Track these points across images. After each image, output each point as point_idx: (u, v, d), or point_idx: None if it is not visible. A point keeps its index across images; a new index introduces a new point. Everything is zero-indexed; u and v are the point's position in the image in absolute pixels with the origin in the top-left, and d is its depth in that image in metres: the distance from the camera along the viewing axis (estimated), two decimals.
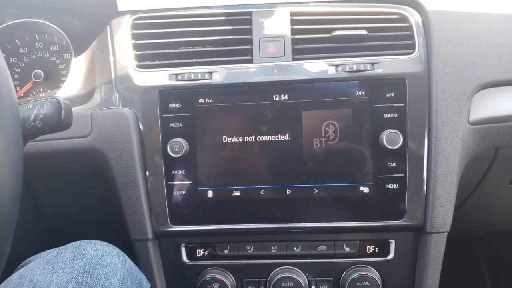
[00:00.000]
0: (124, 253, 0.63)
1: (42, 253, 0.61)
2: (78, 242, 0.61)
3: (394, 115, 0.71)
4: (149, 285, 0.65)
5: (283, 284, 0.73)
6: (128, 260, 0.62)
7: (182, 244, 0.77)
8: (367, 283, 0.73)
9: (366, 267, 0.74)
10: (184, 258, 0.77)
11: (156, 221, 0.74)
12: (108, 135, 0.73)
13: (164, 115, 0.73)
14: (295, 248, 0.76)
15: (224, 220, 0.74)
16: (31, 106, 0.58)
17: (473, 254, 1.38)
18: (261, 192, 0.73)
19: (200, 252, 0.77)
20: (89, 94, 0.79)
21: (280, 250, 0.76)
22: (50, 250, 0.61)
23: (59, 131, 0.57)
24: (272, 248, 0.76)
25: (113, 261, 0.59)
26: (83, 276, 0.54)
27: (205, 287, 0.75)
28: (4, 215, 0.42)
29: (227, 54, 0.75)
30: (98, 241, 0.62)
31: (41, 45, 0.86)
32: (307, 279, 0.75)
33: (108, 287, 0.54)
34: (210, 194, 0.73)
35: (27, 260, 0.61)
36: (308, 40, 0.75)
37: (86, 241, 0.62)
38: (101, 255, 0.58)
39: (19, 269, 0.59)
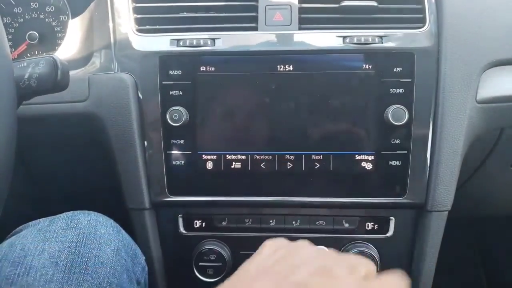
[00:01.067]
0: (118, 224, 0.61)
1: (33, 221, 0.59)
2: (71, 212, 0.60)
3: (401, 90, 0.69)
4: (144, 257, 0.64)
5: None
6: (122, 231, 0.61)
7: (180, 215, 0.76)
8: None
9: (365, 243, 0.74)
10: (181, 229, 0.76)
11: (154, 191, 0.73)
12: (106, 100, 0.71)
13: (164, 82, 0.71)
14: (293, 222, 0.75)
15: (223, 191, 0.73)
16: (25, 64, 0.55)
17: (466, 239, 1.39)
18: (261, 163, 0.71)
19: (197, 223, 0.76)
20: (87, 58, 0.76)
21: (279, 224, 0.75)
22: (41, 219, 0.59)
23: (55, 92, 0.55)
24: (271, 221, 0.75)
25: (107, 231, 0.58)
26: (76, 246, 0.53)
27: (202, 258, 0.74)
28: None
29: (231, 20, 0.72)
30: (91, 211, 0.61)
31: (36, 5, 0.82)
32: None
33: (101, 257, 0.53)
34: (209, 164, 0.72)
35: (18, 228, 0.60)
36: (316, 9, 0.73)
37: (79, 211, 0.60)
38: (95, 225, 0.57)
39: (10, 237, 0.58)
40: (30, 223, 0.58)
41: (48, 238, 0.53)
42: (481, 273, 1.39)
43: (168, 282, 0.78)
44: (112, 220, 0.61)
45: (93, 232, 0.55)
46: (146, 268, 0.63)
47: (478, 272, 1.39)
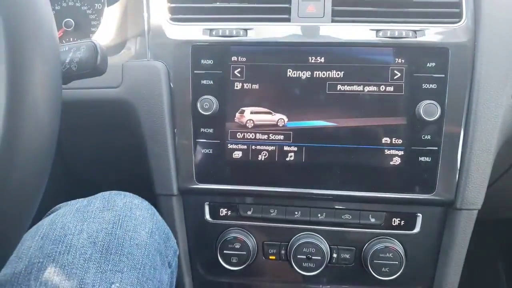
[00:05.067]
0: (152, 206, 0.63)
1: (71, 201, 0.61)
2: (107, 192, 0.61)
3: (433, 86, 0.68)
4: (175, 240, 0.65)
5: (304, 249, 0.73)
6: (157, 213, 0.62)
7: (206, 202, 0.77)
8: (390, 255, 0.72)
9: (390, 239, 0.73)
10: (207, 216, 0.77)
11: (182, 178, 0.74)
12: (139, 87, 0.72)
13: (195, 71, 0.72)
14: (319, 215, 0.75)
15: (250, 181, 0.73)
16: (67, 48, 0.56)
17: (489, 239, 1.36)
18: (289, 155, 0.72)
19: (223, 211, 0.77)
20: (120, 45, 0.77)
21: (304, 216, 0.75)
22: (79, 199, 0.61)
23: (94, 76, 0.56)
24: (296, 213, 0.75)
25: (142, 213, 0.59)
26: (113, 227, 0.54)
27: (227, 246, 0.75)
28: (44, 153, 0.42)
29: (264, 11, 0.73)
30: (127, 193, 0.62)
31: None
32: (329, 247, 0.74)
33: (137, 239, 0.55)
34: (237, 154, 0.73)
35: (57, 206, 0.62)
36: (349, 2, 0.72)
37: (115, 192, 0.62)
38: (130, 207, 0.58)
39: (49, 214, 0.60)
40: (68, 202, 0.60)
41: (86, 219, 0.55)
42: (503, 276, 1.36)
43: (192, 268, 0.80)
44: (147, 202, 0.62)
45: (129, 215, 0.57)
46: (178, 252, 0.64)
47: (498, 273, 1.36)
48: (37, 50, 0.40)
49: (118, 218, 0.55)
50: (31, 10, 0.40)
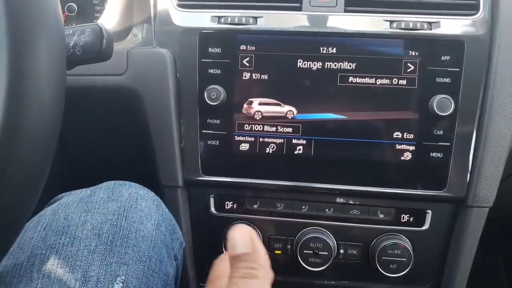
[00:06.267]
0: (158, 198, 0.61)
1: (75, 191, 0.59)
2: (112, 182, 0.60)
3: (448, 80, 0.67)
4: (181, 232, 0.63)
5: (311, 245, 0.72)
6: (163, 205, 0.61)
7: (211, 195, 0.75)
8: (398, 251, 0.70)
9: (399, 235, 0.72)
10: (212, 209, 0.76)
11: (187, 169, 0.72)
12: (144, 74, 0.70)
13: (203, 60, 0.70)
14: (326, 210, 0.73)
15: (256, 174, 0.72)
16: (71, 32, 0.54)
17: (493, 238, 1.36)
18: (297, 148, 0.70)
19: (229, 204, 0.75)
20: (125, 31, 0.75)
21: (311, 211, 0.74)
22: (83, 189, 0.59)
23: (99, 62, 0.54)
24: (303, 207, 0.74)
25: (147, 205, 0.57)
26: (118, 219, 0.53)
27: None
28: (47, 138, 0.40)
29: None
30: (132, 183, 0.60)
31: None
32: (336, 242, 0.73)
33: (142, 231, 0.53)
34: (244, 146, 0.71)
35: (59, 196, 0.60)
36: None
37: (120, 182, 0.60)
38: (136, 198, 0.57)
39: (51, 204, 0.58)
40: (72, 192, 0.58)
41: (90, 209, 0.53)
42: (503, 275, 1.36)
43: (196, 261, 0.78)
44: (152, 193, 0.60)
45: (134, 206, 0.55)
46: (184, 244, 0.63)
47: (500, 273, 1.36)
48: (42, 30, 0.38)
49: (123, 209, 0.54)
50: None
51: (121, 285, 0.47)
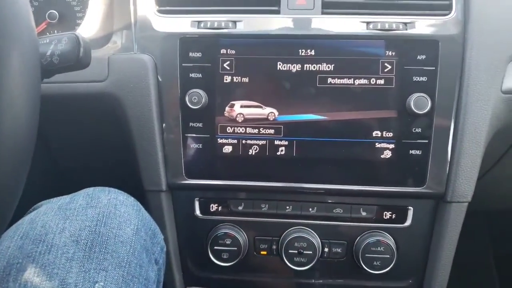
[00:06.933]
0: (138, 203, 0.61)
1: (54, 198, 0.59)
2: (91, 189, 0.60)
3: (424, 78, 0.68)
4: (163, 236, 0.64)
5: (296, 244, 0.73)
6: (142, 210, 0.61)
7: (196, 198, 0.76)
8: (381, 248, 0.72)
9: (382, 232, 0.73)
10: (197, 212, 0.76)
11: (171, 173, 0.72)
12: (125, 81, 0.70)
13: (183, 64, 0.70)
14: (310, 209, 0.74)
15: (240, 176, 0.72)
16: (48, 41, 0.54)
17: (480, 232, 1.38)
18: (280, 149, 0.71)
19: (213, 207, 0.76)
20: (106, 38, 0.76)
21: (295, 210, 0.75)
22: (62, 197, 0.59)
23: (77, 70, 0.55)
24: (287, 207, 0.75)
25: (127, 210, 0.57)
26: (96, 225, 0.53)
27: (217, 242, 0.74)
28: (21, 147, 0.40)
29: (253, 3, 0.71)
30: (112, 188, 0.61)
31: None
32: (321, 241, 0.74)
33: (121, 237, 0.53)
34: (227, 148, 0.71)
35: (38, 204, 0.60)
36: None
37: (99, 188, 0.60)
38: (115, 204, 0.57)
39: (30, 212, 0.58)
40: (51, 200, 0.58)
41: (68, 216, 0.53)
42: (494, 270, 1.38)
43: (183, 265, 0.79)
44: (132, 198, 0.60)
45: (113, 211, 0.55)
46: (165, 248, 0.63)
47: (490, 268, 1.38)
48: (14, 43, 0.38)
49: (102, 216, 0.54)
50: (7, 1, 0.38)
51: None
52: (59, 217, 0.53)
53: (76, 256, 0.49)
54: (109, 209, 0.55)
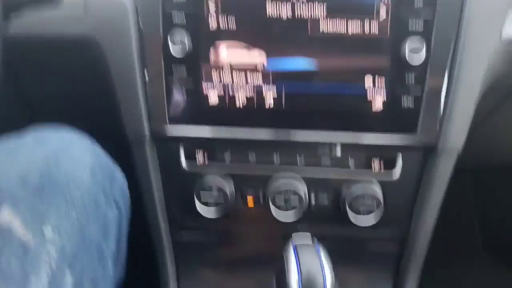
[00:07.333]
0: (98, 145, 0.57)
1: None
2: (40, 128, 0.55)
3: (420, 28, 0.65)
4: (126, 182, 0.60)
5: (283, 195, 0.71)
6: (98, 149, 0.56)
7: (181, 150, 0.73)
8: (369, 199, 0.71)
9: (369, 182, 0.72)
10: (183, 164, 0.74)
11: (154, 120, 0.69)
12: (104, 22, 0.66)
13: (166, 5, 0.65)
14: (297, 157, 0.73)
15: (226, 123, 0.70)
16: None
17: (464, 189, 1.40)
18: (268, 99, 0.68)
19: (199, 159, 0.74)
20: None
21: (283, 159, 0.73)
22: (8, 136, 0.54)
23: (47, 5, 0.50)
24: (274, 155, 0.73)
25: (81, 149, 0.53)
26: (47, 165, 0.49)
27: (204, 194, 0.73)
28: None
29: None
30: (64, 128, 0.56)
31: None
32: (308, 191, 0.73)
33: (75, 177, 0.49)
34: (213, 97, 0.68)
35: None
36: None
37: (50, 127, 0.55)
38: (67, 143, 0.53)
39: None
40: None
41: (15, 157, 0.49)
42: (476, 226, 1.42)
43: (170, 218, 0.78)
44: (88, 139, 0.55)
45: (66, 151, 0.51)
46: (127, 195, 0.59)
47: (473, 224, 1.42)
48: None
49: (54, 155, 0.50)
50: None
51: (51, 227, 0.45)
52: (3, 157, 0.49)
53: (23, 197, 0.46)
54: (60, 148, 0.51)
